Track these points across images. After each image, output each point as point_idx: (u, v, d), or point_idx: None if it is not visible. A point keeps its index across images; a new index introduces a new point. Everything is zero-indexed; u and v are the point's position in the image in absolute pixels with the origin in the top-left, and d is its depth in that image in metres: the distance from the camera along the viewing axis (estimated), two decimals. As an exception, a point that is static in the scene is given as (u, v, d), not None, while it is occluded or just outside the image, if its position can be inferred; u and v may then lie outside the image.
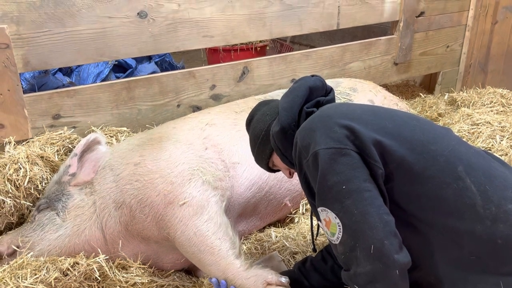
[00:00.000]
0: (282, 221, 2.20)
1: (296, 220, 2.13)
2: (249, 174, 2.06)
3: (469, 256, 1.19)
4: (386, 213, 1.18)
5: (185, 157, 1.93)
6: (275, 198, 2.13)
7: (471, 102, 3.03)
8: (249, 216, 2.11)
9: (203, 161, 1.95)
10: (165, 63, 3.71)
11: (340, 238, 1.21)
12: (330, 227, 1.23)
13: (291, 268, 1.80)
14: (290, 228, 2.06)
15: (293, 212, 2.17)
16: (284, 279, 1.60)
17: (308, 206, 2.16)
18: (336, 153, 1.21)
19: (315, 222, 1.90)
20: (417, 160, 1.23)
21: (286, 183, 2.14)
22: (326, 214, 1.23)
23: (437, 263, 1.23)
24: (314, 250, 1.74)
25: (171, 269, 1.97)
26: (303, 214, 2.14)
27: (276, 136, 1.43)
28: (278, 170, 1.63)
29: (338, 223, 1.20)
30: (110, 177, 1.90)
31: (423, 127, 1.31)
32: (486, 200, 1.18)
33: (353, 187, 1.18)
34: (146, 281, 1.85)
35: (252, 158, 1.63)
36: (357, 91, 2.63)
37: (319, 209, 1.26)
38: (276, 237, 1.99)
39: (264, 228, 2.15)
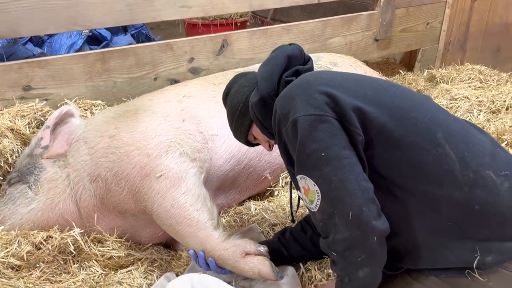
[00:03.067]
0: (261, 195, 2.19)
1: (276, 193, 2.12)
2: (228, 147, 2.03)
3: (447, 222, 1.19)
4: (365, 180, 1.17)
5: (162, 129, 1.88)
6: (255, 171, 2.11)
7: (449, 78, 3.05)
8: (228, 189, 2.09)
9: (180, 132, 1.91)
10: (142, 35, 3.60)
11: (318, 206, 1.19)
12: (309, 195, 1.22)
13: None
14: (270, 201, 2.05)
15: (273, 185, 2.16)
16: (262, 249, 1.59)
17: (288, 179, 2.15)
18: (315, 120, 1.19)
19: (294, 193, 1.90)
20: (397, 126, 1.21)
21: (265, 156, 2.12)
22: (305, 181, 1.22)
23: (415, 229, 1.23)
24: (293, 221, 1.73)
25: (148, 243, 1.94)
26: (282, 187, 2.12)
27: (255, 106, 1.40)
28: (257, 144, 1.60)
29: (316, 190, 1.19)
30: (85, 150, 1.85)
31: (403, 94, 1.30)
32: (464, 166, 1.18)
33: (332, 154, 1.16)
34: (123, 254, 1.83)
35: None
36: (338, 65, 2.61)
37: (298, 177, 1.24)
38: (256, 209, 1.97)
39: (243, 201, 2.13)
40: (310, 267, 1.63)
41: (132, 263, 1.82)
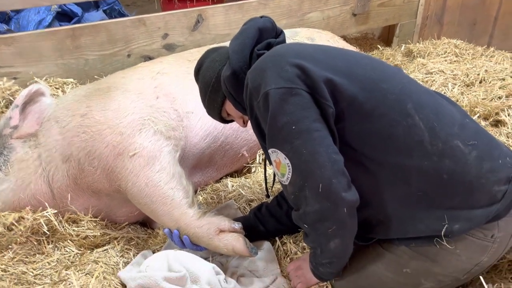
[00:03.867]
0: (239, 172, 2.18)
1: (253, 169, 2.11)
2: (203, 124, 2.00)
3: (416, 192, 1.21)
4: (335, 152, 1.17)
5: (135, 107, 1.84)
6: (232, 149, 2.09)
7: (426, 52, 3.06)
8: (205, 167, 2.08)
9: (154, 110, 1.88)
10: (114, 11, 3.49)
11: (290, 179, 1.19)
12: (280, 168, 1.22)
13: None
14: (247, 178, 2.04)
15: (250, 162, 2.15)
16: (236, 225, 1.60)
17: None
18: (286, 93, 1.17)
19: (270, 169, 1.90)
20: (368, 98, 1.21)
21: (242, 133, 2.11)
22: (276, 155, 1.21)
23: (386, 201, 1.24)
24: (268, 196, 1.74)
25: (124, 222, 1.93)
26: (260, 163, 2.12)
27: (227, 81, 1.38)
28: (232, 121, 1.58)
29: (288, 163, 1.18)
30: (56, 130, 1.80)
31: (374, 66, 1.29)
32: (433, 136, 1.19)
33: (303, 127, 1.16)
34: (99, 234, 1.80)
35: None
36: (315, 40, 2.58)
37: (269, 151, 1.24)
38: (233, 186, 1.97)
39: (220, 178, 2.12)
40: (285, 241, 1.64)
41: (108, 242, 1.80)
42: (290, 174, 1.18)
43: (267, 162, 1.48)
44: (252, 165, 2.13)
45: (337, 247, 1.24)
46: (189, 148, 1.96)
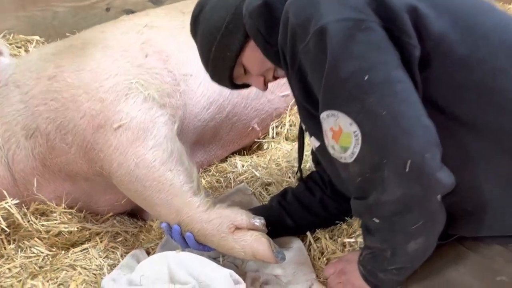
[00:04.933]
0: (248, 149, 1.82)
1: (265, 146, 1.76)
2: (205, 90, 1.63)
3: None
4: (424, 114, 0.82)
5: (119, 67, 1.48)
6: (240, 121, 1.73)
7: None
8: (208, 143, 1.72)
9: (143, 71, 1.52)
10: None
11: (356, 154, 0.83)
12: (341, 139, 0.85)
13: (264, 203, 1.43)
14: (259, 156, 1.68)
15: (261, 137, 1.78)
16: (258, 221, 1.22)
17: (280, 129, 1.78)
18: (353, 28, 0.82)
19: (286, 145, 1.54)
20: (463, 37, 0.87)
21: (253, 101, 1.74)
22: (335, 120, 0.84)
23: (480, 183, 0.91)
24: (301, 178, 1.37)
25: (109, 213, 1.55)
26: (273, 138, 1.76)
27: (256, 14, 0.99)
28: (244, 86, 1.21)
29: (354, 131, 0.82)
30: (16, 97, 1.46)
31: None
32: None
33: (380, 77, 0.81)
34: (75, 229, 1.45)
35: None
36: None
37: (323, 115, 0.87)
38: (243, 166, 1.61)
39: (226, 157, 1.76)
40: (319, 236, 1.30)
41: (88, 240, 1.45)
42: (358, 147, 0.83)
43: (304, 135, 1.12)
44: (263, 140, 1.77)
45: (418, 248, 0.91)
46: (188, 119, 1.59)
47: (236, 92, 1.68)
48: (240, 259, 1.32)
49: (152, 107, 1.45)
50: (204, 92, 1.63)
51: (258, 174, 1.54)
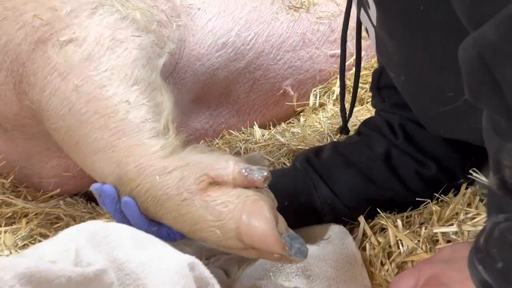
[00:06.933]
0: (274, 123, 1.25)
1: (301, 120, 1.18)
2: (217, 27, 1.14)
3: None
4: None
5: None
6: (266, 78, 1.20)
7: None
8: (217, 104, 1.19)
9: (130, -12, 1.05)
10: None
11: None
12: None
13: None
14: (289, 123, 1.12)
15: (296, 105, 1.22)
16: (257, 173, 0.62)
17: (326, 98, 1.21)
18: None
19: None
20: None
21: (288, 53, 1.22)
22: None
23: None
24: (345, 130, 0.79)
25: (55, 190, 1.03)
26: (314, 110, 1.19)
27: None
28: None
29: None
30: None
31: None
32: None
33: None
34: (10, 210, 0.93)
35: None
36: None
37: None
38: (263, 135, 1.05)
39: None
40: (382, 222, 0.67)
41: (8, 220, 0.93)
42: None
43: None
44: (300, 113, 1.20)
45: None
46: (187, 60, 1.09)
47: (264, 35, 1.17)
48: (233, 262, 0.73)
49: (128, 27, 0.97)
50: (214, 29, 1.14)
51: (283, 140, 0.97)
